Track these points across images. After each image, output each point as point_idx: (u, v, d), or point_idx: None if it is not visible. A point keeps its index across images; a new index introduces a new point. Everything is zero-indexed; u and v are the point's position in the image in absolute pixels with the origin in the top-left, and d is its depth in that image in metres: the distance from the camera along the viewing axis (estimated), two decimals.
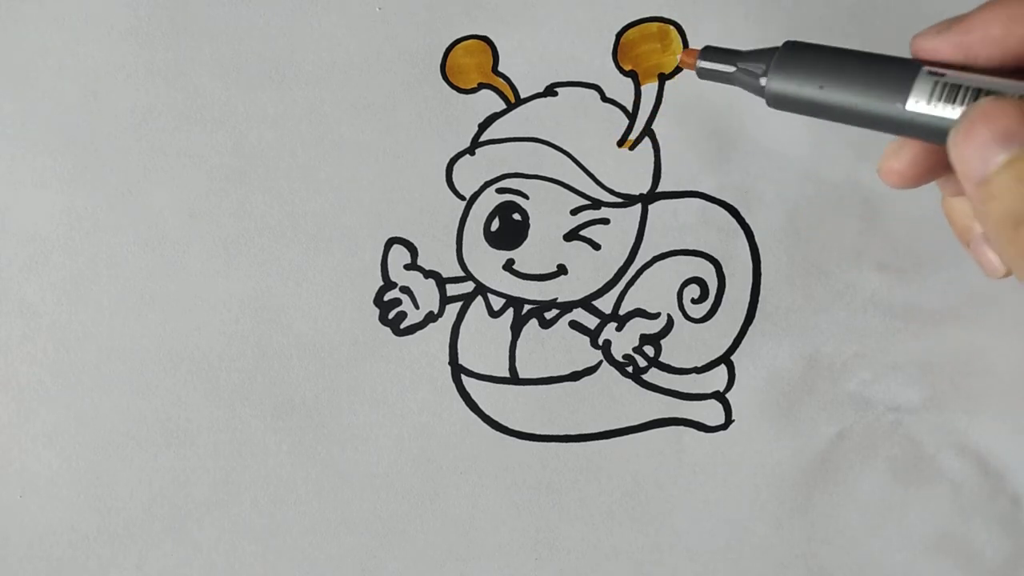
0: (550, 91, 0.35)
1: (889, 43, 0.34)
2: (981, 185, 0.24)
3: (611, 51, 0.35)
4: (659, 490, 0.34)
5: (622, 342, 0.34)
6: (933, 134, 0.25)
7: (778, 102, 0.28)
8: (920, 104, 0.25)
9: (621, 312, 0.34)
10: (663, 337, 0.34)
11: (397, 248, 0.35)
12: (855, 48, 0.27)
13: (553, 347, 0.34)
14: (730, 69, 0.29)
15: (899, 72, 0.26)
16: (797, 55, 0.27)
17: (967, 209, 0.29)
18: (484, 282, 0.35)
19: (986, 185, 0.24)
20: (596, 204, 0.34)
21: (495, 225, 0.35)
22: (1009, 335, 0.34)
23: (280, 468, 0.34)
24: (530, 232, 0.35)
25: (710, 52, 0.30)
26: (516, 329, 0.34)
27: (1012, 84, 0.24)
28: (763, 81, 0.28)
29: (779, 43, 0.28)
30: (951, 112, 0.25)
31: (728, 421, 0.34)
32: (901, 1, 0.35)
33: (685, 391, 0.34)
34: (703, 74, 0.30)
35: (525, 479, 0.34)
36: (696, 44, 0.34)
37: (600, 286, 0.34)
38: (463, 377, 0.34)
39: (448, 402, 0.34)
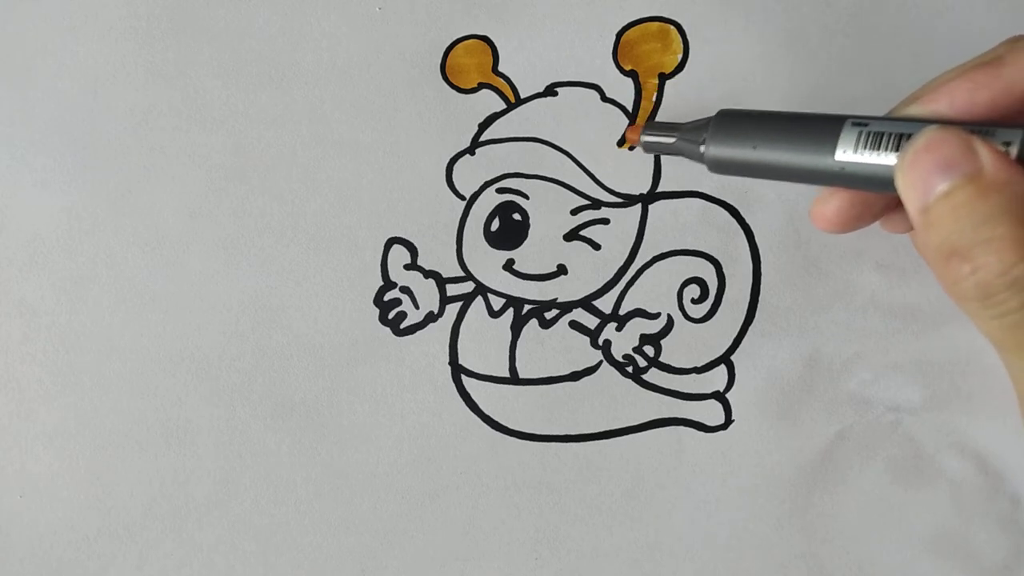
0: (550, 91, 0.35)
1: (889, 43, 0.35)
2: (922, 213, 0.24)
3: (611, 51, 0.35)
4: (659, 490, 0.34)
5: (622, 342, 0.34)
6: (863, 182, 0.26)
7: (718, 167, 0.30)
8: (847, 153, 0.26)
9: (621, 312, 0.34)
10: (663, 337, 0.34)
11: (397, 248, 0.35)
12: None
13: (553, 347, 0.34)
14: (671, 140, 0.31)
15: (826, 126, 0.27)
16: (731, 122, 0.29)
17: None
18: (484, 282, 0.35)
19: (926, 213, 0.24)
20: (596, 204, 0.34)
21: (495, 225, 0.35)
22: None
23: (280, 468, 0.34)
24: (530, 232, 0.35)
25: (653, 126, 0.32)
26: (516, 329, 0.34)
27: (940, 125, 0.25)
28: (702, 148, 0.30)
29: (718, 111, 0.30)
30: (877, 159, 0.26)
31: (728, 421, 0.34)
32: (901, 0, 0.35)
33: (685, 391, 0.34)
34: (648, 147, 0.32)
35: (525, 479, 0.34)
36: (696, 44, 0.35)
37: (600, 286, 0.34)
38: (463, 377, 0.34)
39: (448, 402, 0.34)
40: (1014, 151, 0.24)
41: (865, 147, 0.26)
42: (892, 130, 0.26)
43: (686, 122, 0.31)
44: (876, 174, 0.26)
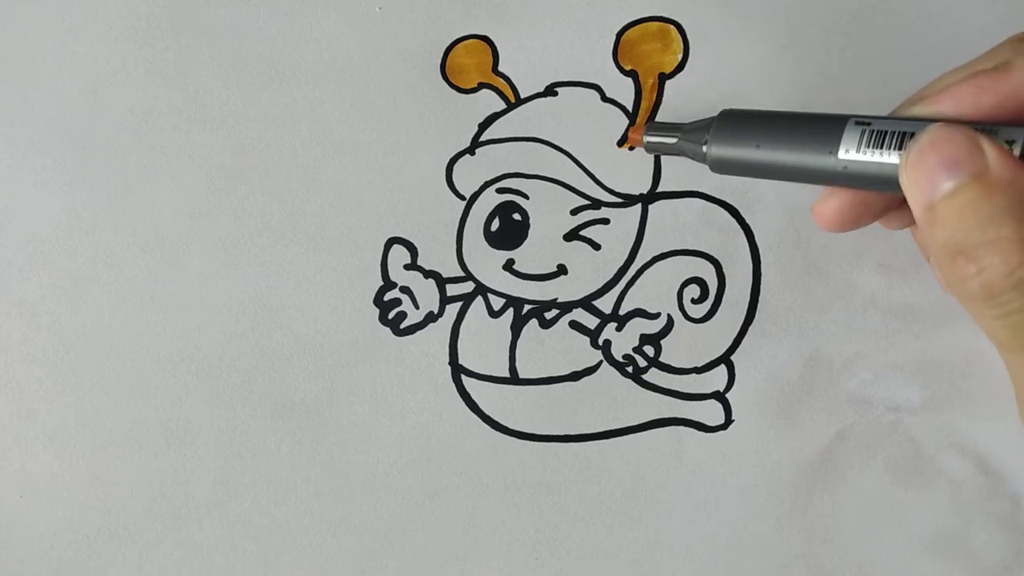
0: (550, 91, 0.35)
1: (888, 43, 0.35)
2: (927, 211, 0.24)
3: (611, 51, 0.35)
4: (659, 490, 0.34)
5: (622, 342, 0.34)
6: (866, 181, 0.26)
7: (720, 167, 0.30)
8: (850, 152, 0.26)
9: (621, 312, 0.34)
10: (663, 337, 0.34)
11: (397, 248, 0.35)
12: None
13: (553, 347, 0.34)
14: (673, 140, 0.31)
15: (829, 125, 0.27)
16: (733, 122, 0.29)
17: None
18: (484, 282, 0.35)
19: (931, 211, 0.24)
20: (596, 204, 0.34)
21: (495, 225, 0.35)
22: None
23: (280, 468, 0.34)
24: (530, 232, 0.35)
25: (655, 127, 0.32)
26: (516, 329, 0.34)
27: (944, 123, 0.25)
28: (704, 148, 0.29)
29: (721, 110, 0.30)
30: (881, 157, 0.26)
31: (728, 421, 0.34)
32: (901, 0, 0.35)
33: (685, 391, 0.34)
34: (650, 148, 0.32)
35: (525, 479, 0.34)
36: (696, 44, 0.35)
37: (600, 286, 0.34)
38: (463, 377, 0.34)
39: (448, 402, 0.34)
40: (1017, 150, 0.24)
41: (868, 146, 0.26)
42: (896, 128, 0.26)
43: (688, 122, 0.31)
44: (879, 173, 0.26)
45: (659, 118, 0.34)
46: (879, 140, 0.26)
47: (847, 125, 0.26)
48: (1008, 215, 0.23)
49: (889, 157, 0.25)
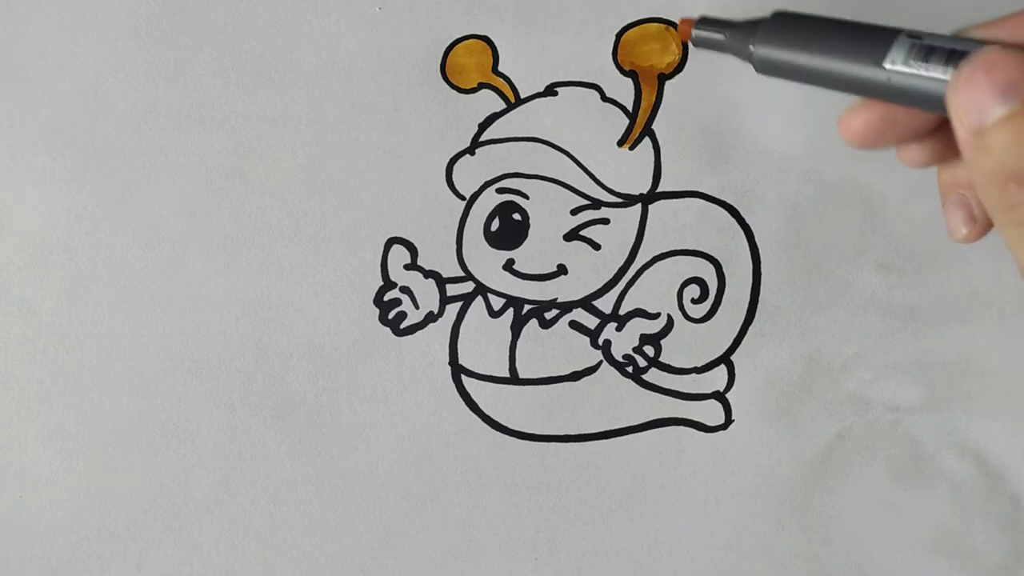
0: (550, 91, 0.35)
1: None
2: (976, 135, 0.24)
3: (611, 51, 0.35)
4: (659, 490, 0.34)
5: (622, 342, 0.34)
6: (909, 96, 0.26)
7: (766, 67, 0.29)
8: (897, 64, 0.26)
9: (621, 312, 0.34)
10: (663, 337, 0.34)
11: (397, 248, 0.35)
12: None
13: (553, 347, 0.34)
14: (721, 37, 0.30)
15: (879, 35, 0.26)
16: (785, 24, 0.29)
17: (955, 170, 0.29)
18: (484, 282, 0.35)
19: (980, 136, 0.24)
20: (596, 204, 0.35)
21: (495, 225, 0.35)
22: (1009, 335, 0.34)
23: (280, 468, 0.34)
24: (530, 232, 0.35)
25: (704, 22, 0.31)
26: (516, 329, 0.34)
27: (1000, 46, 0.24)
28: (752, 48, 0.29)
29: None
30: (928, 72, 0.25)
31: (728, 421, 0.34)
32: (903, 3, 0.34)
33: (685, 391, 0.34)
34: (698, 41, 0.31)
35: (525, 479, 0.34)
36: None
37: (600, 286, 0.34)
38: (463, 377, 0.34)
39: (448, 402, 0.34)
40: None
41: (916, 60, 0.25)
42: (948, 45, 0.25)
43: (739, 20, 0.31)
44: (925, 89, 0.25)
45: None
46: (927, 55, 0.25)
47: (897, 37, 0.26)
48: None
49: (937, 74, 0.25)
